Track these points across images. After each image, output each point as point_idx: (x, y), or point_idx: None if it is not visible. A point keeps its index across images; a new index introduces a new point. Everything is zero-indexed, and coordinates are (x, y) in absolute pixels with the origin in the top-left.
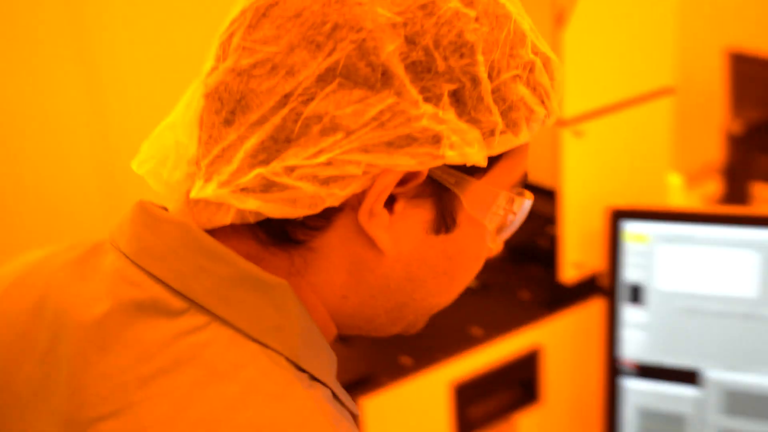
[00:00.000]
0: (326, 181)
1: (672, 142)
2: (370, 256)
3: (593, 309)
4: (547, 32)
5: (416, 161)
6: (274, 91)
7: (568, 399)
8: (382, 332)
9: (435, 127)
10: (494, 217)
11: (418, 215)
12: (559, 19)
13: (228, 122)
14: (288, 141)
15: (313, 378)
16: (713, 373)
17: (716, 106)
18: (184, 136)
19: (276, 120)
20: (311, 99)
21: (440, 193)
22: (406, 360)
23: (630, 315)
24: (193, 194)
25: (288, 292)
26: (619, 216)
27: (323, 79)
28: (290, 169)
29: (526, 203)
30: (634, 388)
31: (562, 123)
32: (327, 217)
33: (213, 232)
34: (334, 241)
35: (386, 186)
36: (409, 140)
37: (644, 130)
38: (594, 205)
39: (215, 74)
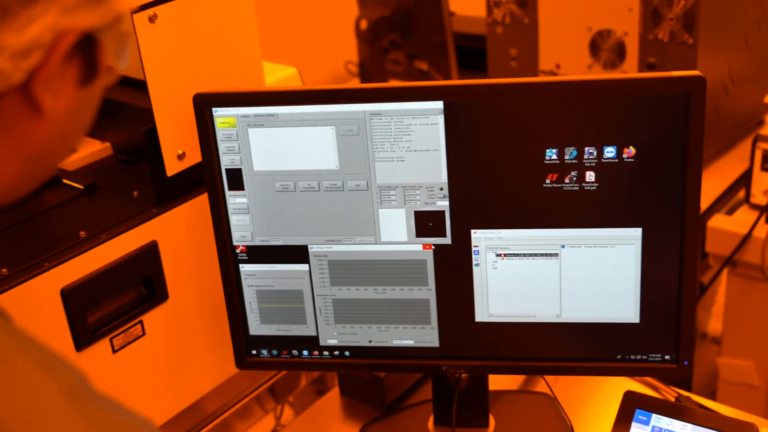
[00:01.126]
0: (13, 55)
1: (300, 38)
2: (29, 125)
3: (203, 200)
4: None
5: (104, 17)
6: None
7: (194, 293)
8: (14, 197)
9: None
10: (121, 62)
11: (72, 71)
12: None
13: None
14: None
15: None
16: (315, 248)
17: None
18: None
19: None
20: None
21: (89, 43)
22: (3, 270)
23: (232, 201)
24: None
25: None
26: (202, 102)
27: None
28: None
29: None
30: (249, 271)
31: (134, 10)
32: None
33: None
34: None
35: (67, 47)
36: None
37: (222, 14)
38: (185, 95)
39: None
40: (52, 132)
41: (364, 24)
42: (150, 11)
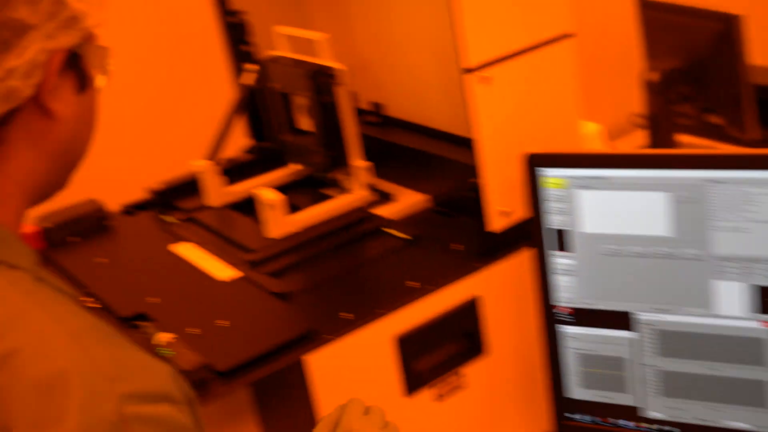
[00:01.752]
0: (24, 74)
1: (583, 90)
2: (47, 128)
3: (525, 257)
4: None
5: (79, 36)
6: None
7: (512, 348)
8: (55, 190)
9: (82, 8)
10: (105, 70)
11: (68, 81)
12: None
13: None
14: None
15: (11, 266)
16: (644, 316)
17: (636, 56)
18: None
19: None
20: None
21: (76, 59)
22: (347, 315)
23: (558, 261)
24: None
25: None
26: (535, 162)
27: None
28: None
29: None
30: (571, 333)
31: (468, 70)
32: (12, 108)
33: None
34: (17, 128)
35: (60, 62)
36: (74, 21)
37: (549, 74)
38: (512, 153)
39: None
40: (66, 132)
41: (655, 76)
42: (485, 72)
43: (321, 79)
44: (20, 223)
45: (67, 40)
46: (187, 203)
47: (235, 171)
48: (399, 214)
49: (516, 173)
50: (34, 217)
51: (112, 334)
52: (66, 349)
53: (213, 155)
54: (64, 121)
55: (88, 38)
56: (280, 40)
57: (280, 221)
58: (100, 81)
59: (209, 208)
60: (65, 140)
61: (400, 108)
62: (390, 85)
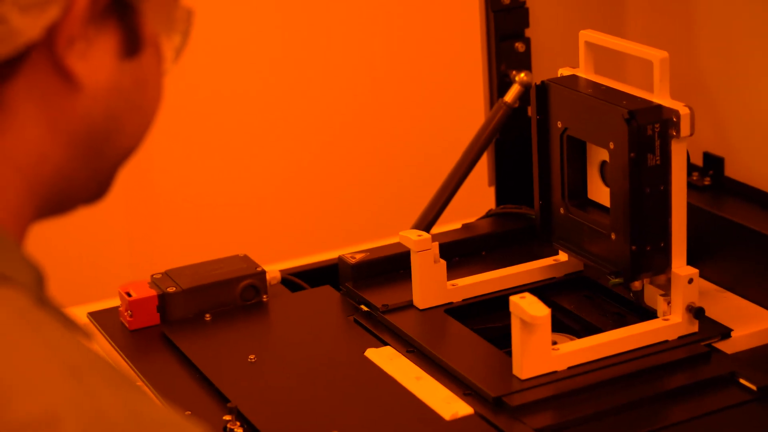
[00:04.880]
0: (25, 8)
1: None
2: (67, 98)
3: None
4: None
5: None
6: None
7: None
8: (82, 195)
9: None
10: (175, 34)
11: (107, 39)
12: None
13: None
14: None
15: (4, 277)
16: None
17: None
18: None
19: None
20: None
21: (124, 9)
22: None
23: None
24: None
25: None
26: None
27: None
28: None
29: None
30: None
31: None
32: (14, 58)
33: None
34: (22, 89)
35: (87, 4)
36: None
37: None
38: None
39: None
40: (96, 109)
41: None
42: None
43: (647, 128)
44: (24, 225)
45: None
46: (382, 295)
47: (461, 247)
48: (740, 346)
49: None
50: (151, 277)
51: (129, 381)
52: (62, 386)
53: (426, 226)
54: (91, 93)
55: None
56: (583, 52)
57: (543, 351)
58: (166, 48)
59: (415, 308)
60: (93, 121)
61: (747, 166)
62: (737, 130)
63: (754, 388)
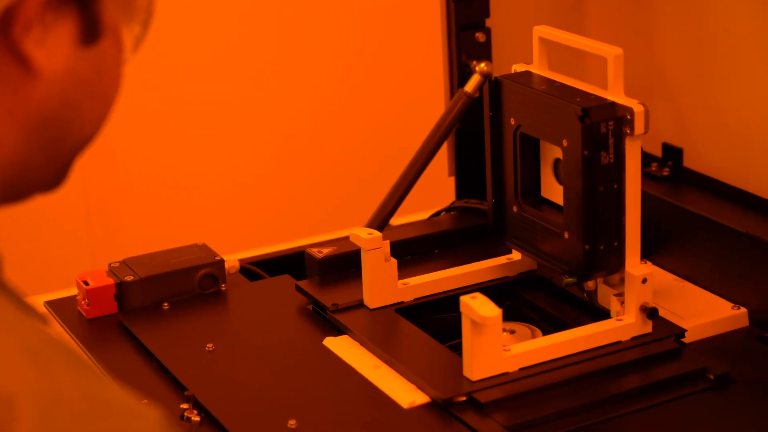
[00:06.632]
0: None
1: None
2: (22, 84)
3: None
4: None
5: None
6: None
7: None
8: (37, 183)
9: None
10: (135, 24)
11: (65, 25)
12: None
13: None
14: None
15: None
16: None
17: None
18: None
19: None
20: None
21: None
22: None
23: None
24: None
25: None
26: None
27: None
28: None
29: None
30: None
31: None
32: None
33: None
34: None
35: None
36: None
37: None
38: None
39: None
40: (52, 95)
41: None
42: None
43: (600, 125)
44: None
45: None
46: (338, 293)
47: (415, 245)
48: (697, 336)
49: None
50: (108, 265)
51: (85, 363)
52: (19, 367)
53: (382, 221)
54: (48, 80)
55: None
56: (537, 47)
57: (494, 352)
58: (126, 37)
59: (366, 307)
60: (49, 107)
61: (706, 158)
62: (696, 122)
63: (711, 377)
